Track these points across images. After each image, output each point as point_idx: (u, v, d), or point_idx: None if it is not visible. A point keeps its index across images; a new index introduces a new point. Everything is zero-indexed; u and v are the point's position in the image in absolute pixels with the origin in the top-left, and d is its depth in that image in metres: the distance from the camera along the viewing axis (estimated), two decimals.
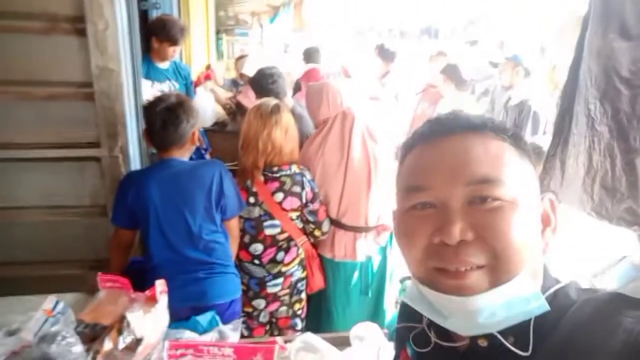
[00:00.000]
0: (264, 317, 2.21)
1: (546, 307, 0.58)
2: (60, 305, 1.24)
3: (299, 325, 2.26)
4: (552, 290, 0.62)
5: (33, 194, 2.19)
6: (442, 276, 0.59)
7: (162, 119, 1.76)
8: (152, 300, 1.36)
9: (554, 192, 2.02)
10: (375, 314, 2.37)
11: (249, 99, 3.33)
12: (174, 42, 3.07)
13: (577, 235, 2.63)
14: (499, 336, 0.59)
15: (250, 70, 3.76)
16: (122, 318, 1.26)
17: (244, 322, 2.21)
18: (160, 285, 1.37)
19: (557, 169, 1.96)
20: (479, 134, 0.62)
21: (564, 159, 1.94)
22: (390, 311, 2.44)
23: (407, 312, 0.80)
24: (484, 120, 0.64)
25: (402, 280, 2.67)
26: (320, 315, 2.36)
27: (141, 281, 1.86)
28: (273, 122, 1.98)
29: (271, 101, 2.06)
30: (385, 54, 4.19)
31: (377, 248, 2.29)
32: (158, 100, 1.82)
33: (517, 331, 0.59)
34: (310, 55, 4.47)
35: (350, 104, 2.19)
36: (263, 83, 2.69)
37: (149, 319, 1.30)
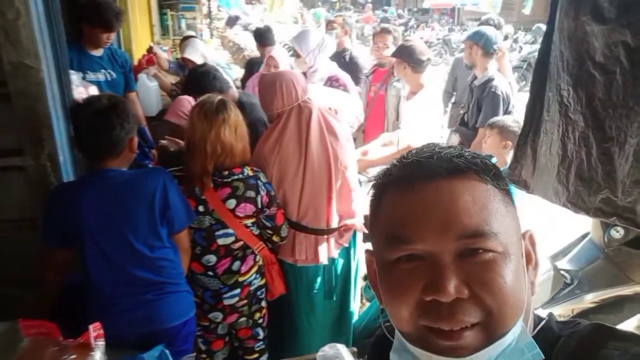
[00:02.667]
0: (222, 330, 2.06)
1: (541, 356, 0.56)
2: None
3: (261, 334, 2.12)
4: (535, 330, 0.62)
5: None
6: (435, 336, 0.56)
7: (91, 125, 1.54)
8: (86, 347, 1.18)
9: (525, 182, 1.95)
10: (341, 318, 2.27)
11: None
12: (107, 28, 2.75)
13: (537, 215, 2.61)
14: None
15: (193, 55, 3.49)
16: None
17: (201, 337, 2.06)
18: (94, 329, 1.18)
19: (529, 158, 1.89)
20: (463, 178, 0.59)
21: (535, 147, 1.86)
22: (357, 312, 2.35)
23: (382, 358, 0.72)
24: (467, 163, 0.60)
25: (366, 278, 2.58)
26: (282, 322, 2.24)
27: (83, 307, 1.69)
28: (220, 121, 1.79)
29: (214, 97, 1.86)
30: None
31: (341, 249, 2.16)
32: (87, 102, 1.59)
33: None
34: (261, 35, 4.21)
35: (307, 96, 2.00)
36: (204, 83, 2.43)
37: None
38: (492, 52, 3.12)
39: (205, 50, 3.60)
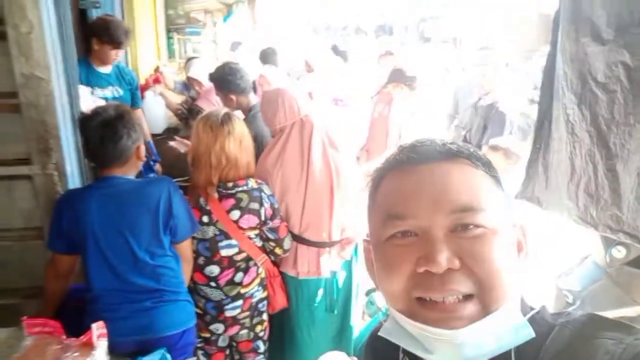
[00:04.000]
0: (223, 342, 2.04)
1: (532, 335, 0.58)
2: None
3: (262, 347, 2.11)
4: (529, 315, 0.63)
5: None
6: (428, 309, 0.57)
7: (99, 135, 1.58)
8: (89, 346, 1.19)
9: (538, 198, 1.97)
10: (342, 332, 2.25)
11: (210, 102, 3.15)
12: (116, 44, 2.83)
13: (540, 235, 2.61)
14: None
15: (197, 74, 3.57)
16: None
17: (201, 349, 2.04)
18: (97, 328, 1.19)
19: (541, 174, 1.92)
20: (455, 161, 0.62)
21: (546, 164, 1.89)
22: (358, 327, 2.33)
23: (378, 352, 0.77)
24: (459, 148, 0.63)
25: (368, 293, 2.57)
26: (283, 336, 2.22)
27: (82, 313, 1.69)
28: (225, 133, 1.82)
29: (220, 110, 1.90)
30: (338, 54, 4.10)
31: (342, 263, 2.17)
32: (94, 113, 1.63)
33: None
34: (266, 56, 4.30)
35: (309, 111, 2.04)
36: (231, 78, 2.54)
37: None
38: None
39: (210, 70, 3.68)
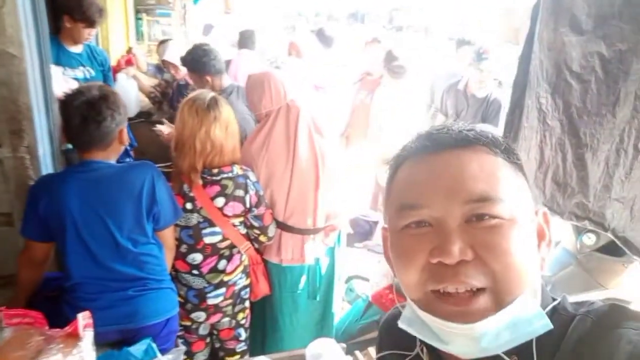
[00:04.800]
0: (204, 330, 2.02)
1: (550, 326, 0.57)
2: None
3: (243, 335, 2.09)
4: (550, 306, 0.62)
5: None
6: (443, 301, 0.57)
7: (82, 115, 1.51)
8: (74, 337, 1.14)
9: None
10: (324, 318, 2.26)
11: None
12: (90, 23, 2.70)
13: None
14: (504, 357, 0.58)
15: (172, 57, 3.46)
16: None
17: (181, 337, 2.01)
18: (83, 318, 1.14)
19: None
20: (472, 149, 0.60)
21: None
22: (339, 313, 2.35)
23: (394, 338, 0.76)
24: (477, 135, 0.62)
25: (347, 280, 2.58)
26: (265, 323, 2.21)
27: (59, 304, 1.63)
28: (211, 119, 1.77)
29: (207, 94, 1.84)
30: (322, 39, 4.05)
31: (326, 249, 2.16)
32: (77, 92, 1.55)
33: (520, 350, 0.58)
34: (245, 39, 4.20)
35: (295, 96, 2.01)
36: (205, 60, 2.51)
37: None
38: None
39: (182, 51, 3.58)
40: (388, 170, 0.68)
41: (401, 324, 0.64)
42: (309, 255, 2.07)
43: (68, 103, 1.52)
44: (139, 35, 7.53)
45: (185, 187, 1.80)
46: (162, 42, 4.10)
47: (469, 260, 0.55)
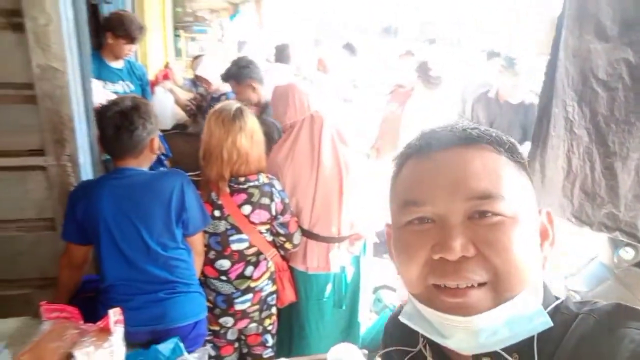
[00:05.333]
0: (232, 335, 2.06)
1: (549, 324, 0.57)
2: None
3: (270, 341, 2.12)
4: (553, 305, 0.62)
5: None
6: (442, 294, 0.57)
7: (115, 125, 1.60)
8: (105, 332, 1.20)
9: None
10: (350, 327, 2.26)
11: None
12: (131, 39, 2.87)
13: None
14: (504, 354, 0.58)
15: (204, 72, 3.59)
16: (69, 356, 1.09)
17: (210, 341, 2.06)
18: (114, 314, 1.21)
19: (537, 173, 1.93)
20: (476, 147, 0.61)
21: (543, 162, 1.90)
22: (365, 323, 2.35)
23: (398, 335, 0.77)
24: (480, 133, 0.62)
25: (375, 290, 2.58)
26: (291, 330, 2.24)
27: (95, 304, 1.71)
28: (237, 129, 1.84)
29: (232, 105, 1.91)
30: (350, 49, 4.13)
31: (351, 258, 2.18)
32: (112, 103, 1.65)
33: (521, 348, 0.58)
34: (282, 52, 4.31)
35: (319, 107, 2.06)
36: (252, 66, 2.65)
37: (101, 355, 1.14)
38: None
39: (218, 68, 3.70)
40: (392, 168, 0.69)
41: (402, 318, 0.65)
42: (334, 263, 2.10)
43: (103, 113, 1.62)
44: (177, 51, 7.84)
45: (214, 195, 1.86)
46: (196, 58, 4.26)
47: (471, 257, 0.56)
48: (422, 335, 0.69)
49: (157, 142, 1.71)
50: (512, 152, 0.62)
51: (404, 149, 0.68)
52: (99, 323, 1.22)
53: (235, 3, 11.53)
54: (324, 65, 3.74)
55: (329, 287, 2.15)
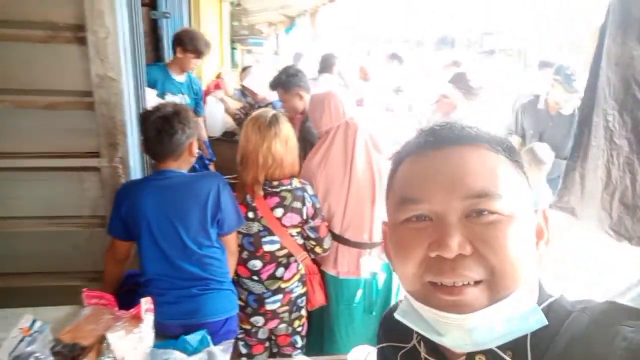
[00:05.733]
0: (263, 334, 2.13)
1: (544, 322, 0.57)
2: (38, 324, 1.18)
3: (299, 342, 2.17)
4: (546, 303, 0.62)
5: (33, 203, 2.16)
6: (438, 291, 0.57)
7: (157, 129, 1.72)
8: (137, 319, 1.30)
9: (573, 209, 1.91)
10: None
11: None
12: (198, 54, 3.15)
13: (592, 254, 2.51)
14: (498, 351, 0.59)
15: (250, 83, 3.75)
16: (103, 338, 1.20)
17: (242, 340, 2.14)
18: (145, 303, 1.30)
19: (577, 184, 1.86)
20: (474, 146, 0.61)
21: (583, 173, 1.84)
22: None
23: (392, 331, 0.78)
24: (478, 132, 0.63)
25: None
26: (322, 333, 2.28)
27: (136, 296, 1.83)
28: (272, 135, 1.92)
29: (268, 112, 2.00)
30: (397, 59, 4.16)
31: (382, 264, 2.19)
32: (154, 109, 1.78)
33: (515, 345, 0.58)
34: (326, 61, 4.41)
35: (354, 114, 2.11)
36: (300, 75, 2.75)
37: (131, 340, 1.24)
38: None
39: (264, 79, 3.84)
40: (390, 165, 0.70)
41: (397, 316, 0.65)
42: (365, 269, 2.12)
43: (146, 118, 1.75)
44: (234, 63, 8.17)
45: (248, 197, 1.95)
46: (245, 69, 4.45)
47: (467, 255, 0.56)
48: (417, 332, 0.69)
49: (195, 146, 1.82)
50: (509, 152, 0.62)
51: (402, 147, 0.68)
52: (131, 310, 1.33)
53: (291, 16, 11.84)
54: (365, 73, 3.80)
55: (360, 293, 2.17)
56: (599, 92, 1.76)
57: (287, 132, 1.96)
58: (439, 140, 0.62)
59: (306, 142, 2.47)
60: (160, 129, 1.71)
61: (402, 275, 0.63)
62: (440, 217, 0.58)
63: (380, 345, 0.82)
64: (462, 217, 0.58)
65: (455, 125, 0.64)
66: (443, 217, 0.58)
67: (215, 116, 3.85)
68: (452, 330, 0.58)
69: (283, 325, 2.09)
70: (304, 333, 2.18)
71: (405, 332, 0.72)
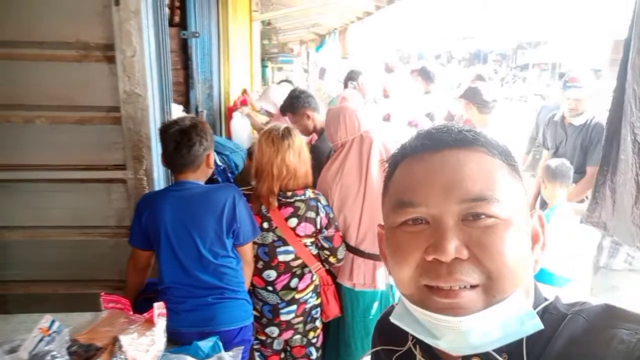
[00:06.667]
0: (278, 345, 2.15)
1: (540, 326, 0.57)
2: (56, 324, 1.25)
3: (314, 354, 2.18)
4: (542, 306, 0.62)
5: (63, 213, 2.28)
6: (434, 294, 0.57)
7: (175, 141, 1.78)
8: (150, 323, 1.35)
9: (605, 224, 1.87)
10: None
11: (283, 119, 3.38)
12: None
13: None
14: (494, 354, 0.58)
15: (264, 104, 3.85)
16: (116, 340, 1.25)
17: (257, 350, 2.16)
18: (158, 307, 1.36)
19: (608, 199, 1.82)
20: (471, 149, 0.61)
21: (614, 187, 1.80)
22: None
23: (387, 334, 0.78)
24: (476, 136, 0.62)
25: None
26: (338, 347, 2.28)
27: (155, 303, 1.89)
28: (286, 147, 1.97)
29: (281, 126, 2.05)
30: (425, 75, 4.18)
31: None
32: (173, 122, 1.85)
33: (510, 348, 0.58)
34: (351, 78, 4.47)
35: (369, 127, 2.14)
36: (302, 96, 2.79)
37: (143, 343, 1.28)
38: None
39: (279, 98, 3.89)
40: (386, 168, 0.70)
41: (392, 319, 0.65)
42: (381, 280, 2.12)
43: (165, 131, 1.82)
44: (264, 80, 8.37)
45: (263, 208, 1.99)
46: (265, 90, 4.56)
47: (464, 259, 0.56)
48: (412, 335, 0.69)
49: (212, 158, 1.89)
50: (506, 156, 0.62)
51: (399, 150, 0.68)
52: (145, 315, 1.38)
53: (322, 34, 12.07)
54: (385, 90, 3.84)
55: (376, 305, 2.17)
56: (626, 106, 1.73)
57: (299, 144, 2.01)
58: (436, 143, 0.62)
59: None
60: (178, 141, 1.78)
61: (397, 278, 0.63)
62: (437, 220, 0.58)
63: (375, 348, 0.82)
64: (459, 220, 0.57)
65: (452, 128, 0.63)
66: (440, 220, 0.58)
67: (242, 131, 3.95)
68: (448, 334, 0.57)
69: (298, 336, 2.11)
70: (319, 345, 2.18)
71: (400, 335, 0.72)
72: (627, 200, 1.72)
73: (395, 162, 0.67)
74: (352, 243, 2.13)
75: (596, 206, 1.90)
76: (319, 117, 2.83)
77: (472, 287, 0.56)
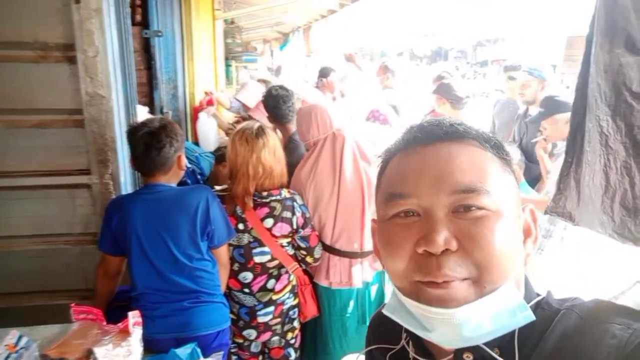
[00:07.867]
0: (255, 348, 2.12)
1: (532, 317, 0.57)
2: (24, 340, 1.18)
3: (293, 355, 2.16)
4: (534, 301, 0.62)
5: (24, 222, 2.17)
6: (426, 285, 0.57)
7: (145, 143, 1.73)
8: (125, 333, 1.30)
9: (570, 214, 1.93)
10: None
11: (262, 112, 3.29)
12: None
13: (590, 256, 2.51)
14: (485, 348, 0.58)
15: (243, 97, 3.81)
16: (90, 352, 1.20)
17: (235, 354, 2.13)
18: (133, 316, 1.31)
19: (573, 189, 1.88)
20: (462, 142, 0.62)
21: (578, 178, 1.86)
22: None
23: (381, 332, 0.78)
24: (467, 129, 0.63)
25: None
26: (316, 346, 2.27)
27: (127, 312, 1.83)
28: (261, 145, 1.94)
29: (254, 124, 2.02)
30: (386, 70, 4.25)
31: (374, 274, 2.20)
32: (141, 124, 1.79)
33: (502, 343, 0.59)
34: (323, 75, 4.50)
35: (340, 125, 2.13)
36: (283, 108, 2.63)
37: (119, 354, 1.23)
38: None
39: (258, 94, 3.85)
40: (379, 162, 0.70)
41: (385, 311, 0.65)
42: (357, 278, 2.12)
43: (133, 134, 1.76)
44: (229, 80, 8.26)
45: (238, 209, 1.96)
46: (243, 84, 4.52)
47: (454, 251, 0.56)
48: (405, 331, 0.70)
49: (184, 159, 1.84)
50: (497, 149, 0.63)
51: (392, 144, 0.68)
52: (119, 324, 1.33)
53: (285, 33, 12.02)
54: (342, 91, 3.89)
55: (352, 303, 2.17)
56: (590, 99, 1.79)
57: (274, 142, 1.98)
58: (427, 136, 0.63)
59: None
60: (148, 144, 1.72)
61: (391, 271, 0.63)
62: (427, 212, 0.59)
63: (369, 347, 0.81)
64: (450, 212, 0.58)
65: (443, 121, 0.64)
66: (430, 212, 0.58)
67: (208, 132, 3.87)
68: (440, 326, 0.58)
69: (276, 338, 2.09)
70: (297, 345, 2.17)
71: (394, 333, 0.72)
72: (596, 190, 1.78)
73: (388, 156, 0.68)
74: (328, 242, 2.12)
75: (561, 197, 1.96)
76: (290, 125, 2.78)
77: (463, 279, 0.56)
